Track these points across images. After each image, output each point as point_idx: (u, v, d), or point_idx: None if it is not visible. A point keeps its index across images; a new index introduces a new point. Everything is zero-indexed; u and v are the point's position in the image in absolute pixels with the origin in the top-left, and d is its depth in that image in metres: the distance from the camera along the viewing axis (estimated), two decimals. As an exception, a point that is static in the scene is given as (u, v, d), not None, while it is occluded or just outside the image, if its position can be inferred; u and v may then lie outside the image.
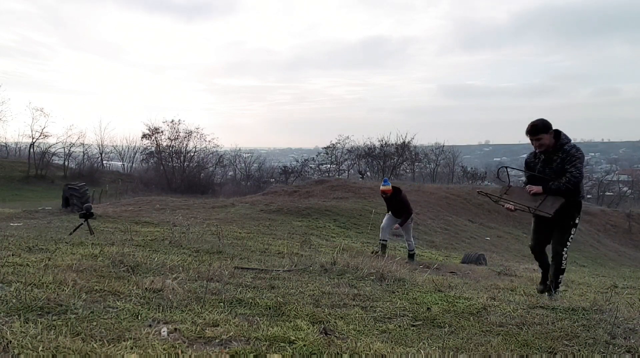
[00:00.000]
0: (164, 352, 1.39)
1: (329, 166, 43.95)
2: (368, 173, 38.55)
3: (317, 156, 44.31)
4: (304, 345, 1.56)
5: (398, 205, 8.05)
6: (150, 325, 1.64)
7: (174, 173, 42.62)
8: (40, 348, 1.31)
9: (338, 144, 43.65)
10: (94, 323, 1.57)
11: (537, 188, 3.93)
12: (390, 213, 8.06)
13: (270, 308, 2.10)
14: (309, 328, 1.80)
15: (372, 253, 7.42)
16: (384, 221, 8.18)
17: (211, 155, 45.16)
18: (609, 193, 49.55)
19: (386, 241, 7.94)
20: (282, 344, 1.57)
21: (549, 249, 4.15)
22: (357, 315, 2.16)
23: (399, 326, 2.03)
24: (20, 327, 1.46)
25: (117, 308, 1.83)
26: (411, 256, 8.05)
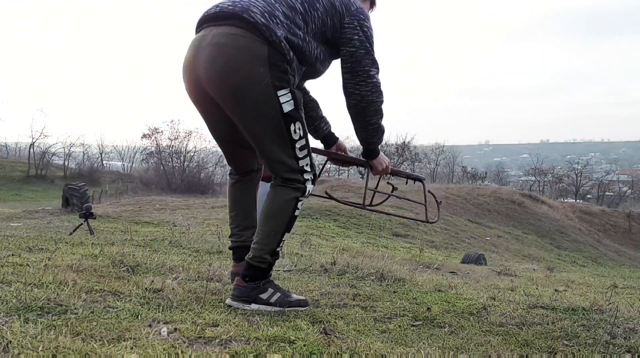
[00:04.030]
0: (164, 351, 1.39)
1: (329, 166, 43.99)
2: (368, 173, 38.54)
3: (316, 156, 44.29)
4: (304, 345, 1.56)
5: None
6: (150, 325, 1.63)
7: (174, 173, 42.68)
8: (40, 348, 1.31)
9: (338, 144, 43.59)
10: (94, 323, 1.57)
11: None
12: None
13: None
14: (308, 328, 1.80)
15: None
16: (259, 195, 5.38)
17: (211, 155, 45.26)
18: (609, 193, 49.65)
19: None
20: (282, 344, 1.57)
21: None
22: (357, 315, 2.16)
23: (399, 326, 2.03)
24: (20, 326, 1.46)
25: (117, 308, 1.83)
26: None
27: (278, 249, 2.10)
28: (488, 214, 22.59)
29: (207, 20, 1.99)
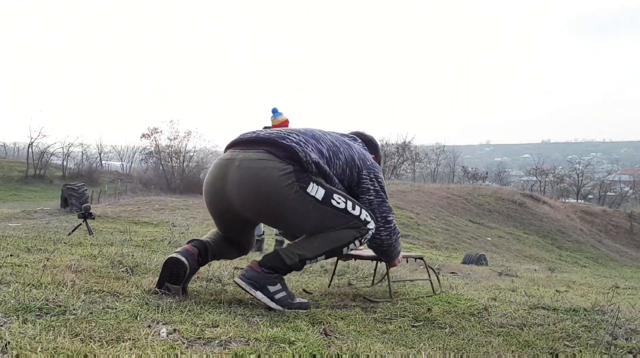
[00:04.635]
0: (163, 352, 1.38)
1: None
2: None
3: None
4: (304, 346, 1.55)
5: None
6: (149, 326, 1.63)
7: (173, 173, 42.65)
8: (39, 349, 1.30)
9: (338, 144, 43.47)
10: (93, 324, 1.56)
11: None
12: None
13: (270, 309, 2.09)
14: (309, 329, 1.79)
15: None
16: None
17: (211, 155, 45.16)
18: (610, 193, 49.55)
19: (262, 235, 5.96)
20: (282, 345, 1.56)
21: None
22: (357, 315, 2.15)
23: (400, 327, 2.02)
24: (19, 327, 1.46)
25: (116, 308, 1.82)
26: (260, 242, 5.95)
27: (308, 262, 2.19)
28: (489, 215, 22.58)
29: (240, 144, 2.21)
